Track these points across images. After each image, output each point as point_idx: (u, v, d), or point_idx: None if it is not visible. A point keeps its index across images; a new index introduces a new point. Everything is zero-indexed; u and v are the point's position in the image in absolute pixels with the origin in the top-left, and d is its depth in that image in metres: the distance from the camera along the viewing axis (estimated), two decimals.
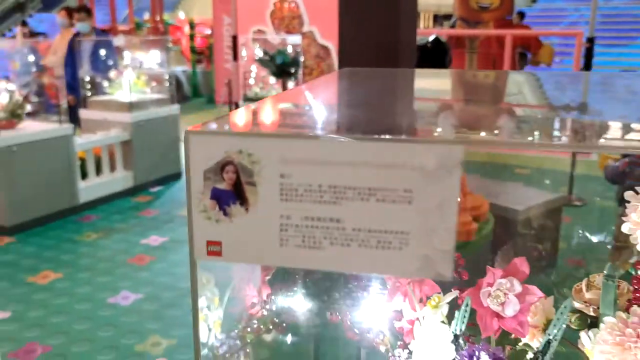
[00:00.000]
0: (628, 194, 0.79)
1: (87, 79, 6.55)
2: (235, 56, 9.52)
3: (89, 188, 5.45)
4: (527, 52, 8.93)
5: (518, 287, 0.73)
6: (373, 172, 0.47)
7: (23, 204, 4.82)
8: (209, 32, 14.28)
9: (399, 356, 0.77)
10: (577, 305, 0.87)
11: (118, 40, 8.93)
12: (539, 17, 14.80)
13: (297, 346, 0.89)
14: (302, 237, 0.53)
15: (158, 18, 13.39)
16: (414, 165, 0.49)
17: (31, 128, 5.04)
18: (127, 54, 8.19)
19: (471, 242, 3.28)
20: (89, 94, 6.48)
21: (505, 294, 0.73)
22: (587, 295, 0.87)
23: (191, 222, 0.52)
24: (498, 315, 0.73)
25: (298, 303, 0.87)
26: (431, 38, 4.29)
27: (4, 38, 17.11)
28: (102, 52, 6.80)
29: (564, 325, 0.77)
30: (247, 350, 0.81)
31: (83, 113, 6.27)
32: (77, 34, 6.90)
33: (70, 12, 7.15)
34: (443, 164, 0.50)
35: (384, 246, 0.50)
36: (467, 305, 0.74)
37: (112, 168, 5.77)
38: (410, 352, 0.75)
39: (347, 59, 3.40)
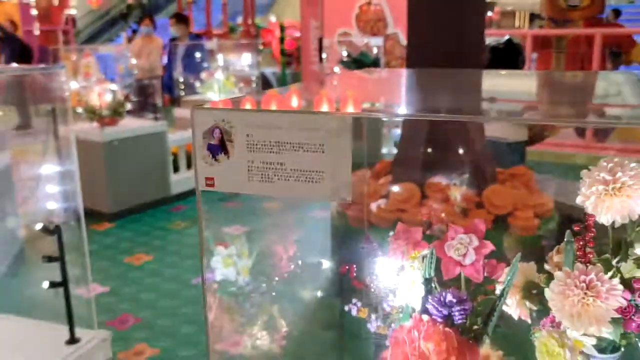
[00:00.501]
0: (582, 173, 0.95)
1: (181, 79, 7.06)
2: (321, 58, 9.84)
3: (180, 181, 5.90)
4: (620, 52, 8.63)
5: (475, 242, 0.91)
6: (302, 133, 0.70)
7: (122, 194, 5.32)
8: (298, 34, 14.70)
9: (387, 296, 0.97)
10: (547, 267, 1.04)
11: (211, 44, 9.49)
12: (636, 15, 14.14)
13: (311, 292, 1.10)
14: (260, 174, 0.76)
15: (250, 22, 13.95)
16: (325, 128, 0.71)
17: (130, 125, 5.54)
18: (220, 57, 8.71)
19: (534, 236, 3.36)
20: (182, 94, 6.98)
21: (465, 247, 0.90)
22: (555, 259, 1.03)
23: (196, 165, 0.77)
24: (459, 264, 0.91)
25: (318, 259, 1.08)
26: (504, 39, 4.36)
27: (112, 43, 18.39)
28: (195, 55, 7.29)
29: (516, 273, 0.94)
30: (273, 293, 1.03)
31: (177, 111, 6.77)
32: (173, 39, 7.44)
33: (152, 20, 7.73)
34: (339, 129, 0.71)
35: (309, 180, 0.73)
36: (432, 253, 0.92)
37: None
38: (395, 292, 0.95)
39: (416, 60, 3.56)
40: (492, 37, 7.50)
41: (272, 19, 16.97)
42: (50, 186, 2.05)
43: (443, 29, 3.37)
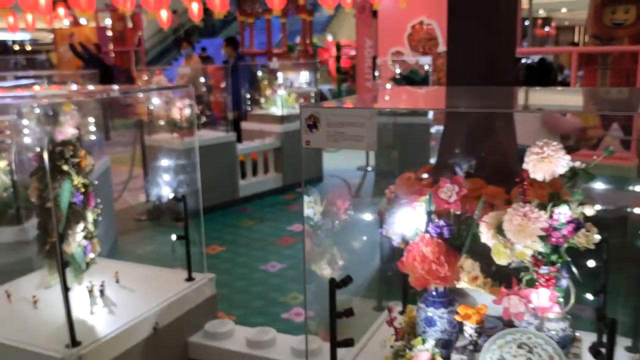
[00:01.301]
0: (527, 150, 1.53)
1: (248, 96, 7.82)
2: (374, 75, 10.46)
3: (247, 185, 6.62)
4: None
5: (457, 188, 1.50)
6: (350, 119, 1.31)
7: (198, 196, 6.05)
8: (353, 53, 15.37)
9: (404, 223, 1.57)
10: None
11: (273, 64, 10.27)
12: None
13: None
14: (333, 138, 1.36)
15: (308, 41, 14.69)
16: (360, 116, 1.30)
17: (204, 135, 6.30)
18: (280, 75, 9.48)
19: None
20: (249, 109, 7.73)
21: (450, 192, 1.49)
22: (513, 204, 1.61)
23: (302, 140, 1.36)
24: (446, 202, 1.50)
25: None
26: (537, 58, 4.88)
27: (176, 63, 19.54)
28: (240, 74, 8.05)
29: (481, 208, 1.53)
30: (334, 228, 1.65)
31: (244, 124, 7.52)
32: (225, 61, 8.27)
33: (190, 42, 8.67)
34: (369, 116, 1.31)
35: (352, 139, 1.34)
36: (430, 197, 1.51)
37: (266, 170, 6.91)
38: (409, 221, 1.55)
39: (455, 78, 4.13)
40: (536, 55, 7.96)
41: (329, 38, 17.76)
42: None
43: (477, 51, 3.94)
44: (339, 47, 16.07)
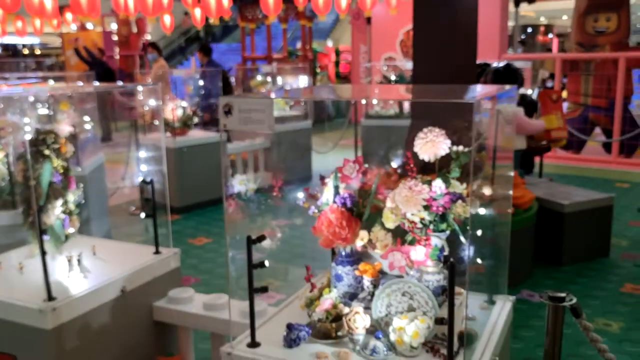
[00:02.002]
0: (417, 136, 1.87)
1: None
2: (370, 80, 10.81)
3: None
4: None
5: (357, 167, 1.84)
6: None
7: (188, 192, 6.41)
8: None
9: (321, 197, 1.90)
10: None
11: (271, 68, 10.63)
12: None
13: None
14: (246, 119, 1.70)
15: (308, 47, 15.06)
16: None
17: (197, 135, 6.67)
18: (278, 79, 9.84)
19: (513, 220, 4.18)
20: None
21: (352, 169, 1.83)
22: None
23: (219, 125, 1.71)
24: (349, 177, 1.84)
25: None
26: (502, 64, 5.21)
27: (182, 67, 19.98)
28: (210, 79, 8.43)
29: (377, 182, 1.86)
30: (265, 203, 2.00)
31: None
32: (209, 65, 8.74)
33: (156, 46, 9.16)
34: None
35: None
36: (336, 174, 1.85)
37: (256, 169, 7.25)
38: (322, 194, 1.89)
39: (421, 79, 4.46)
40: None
41: (329, 43, 18.13)
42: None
43: (440, 54, 4.27)
44: (337, 53, 16.45)
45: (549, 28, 28.00)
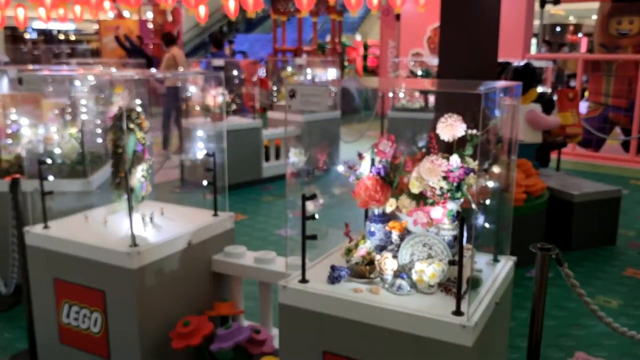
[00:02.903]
0: (439, 120, 2.31)
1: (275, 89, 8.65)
2: (398, 75, 11.19)
3: (270, 167, 7.47)
4: None
5: (390, 143, 2.28)
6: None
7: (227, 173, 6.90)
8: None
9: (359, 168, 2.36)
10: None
11: (301, 60, 11.09)
12: None
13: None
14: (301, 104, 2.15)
15: (337, 40, 15.48)
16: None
17: (234, 121, 7.17)
18: (308, 70, 10.29)
19: (525, 206, 4.60)
20: (274, 100, 8.58)
21: (387, 146, 2.28)
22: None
23: (285, 106, 2.12)
24: (384, 152, 2.29)
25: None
26: (522, 63, 5.60)
27: (213, 57, 20.51)
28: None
29: (405, 157, 2.31)
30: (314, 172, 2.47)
31: (270, 114, 8.37)
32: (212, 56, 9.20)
33: (167, 37, 9.60)
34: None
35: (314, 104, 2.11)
36: (373, 149, 2.30)
37: (287, 155, 7.73)
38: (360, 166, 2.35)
39: (445, 74, 4.88)
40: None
41: (358, 37, 18.52)
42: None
43: (464, 51, 4.69)
44: (366, 47, 16.83)
45: (577, 27, 27.99)
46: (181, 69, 9.21)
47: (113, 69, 6.98)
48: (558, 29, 27.37)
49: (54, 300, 2.89)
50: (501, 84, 2.48)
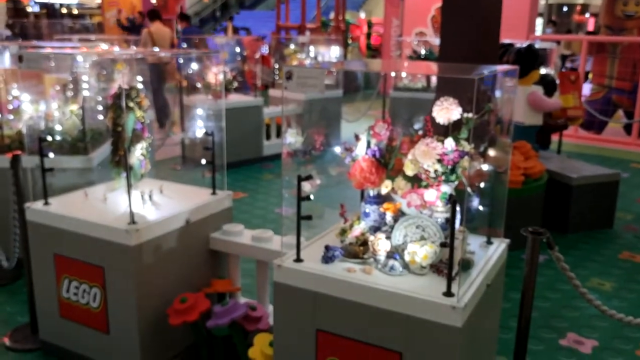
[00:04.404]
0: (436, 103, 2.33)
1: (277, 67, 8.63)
2: (401, 54, 11.14)
3: (270, 146, 7.48)
4: None
5: (386, 126, 2.30)
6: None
7: (227, 151, 6.92)
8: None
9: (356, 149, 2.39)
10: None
11: (304, 38, 11.04)
12: None
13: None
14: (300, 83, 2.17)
15: (340, 18, 15.37)
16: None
17: (236, 99, 7.17)
18: (311, 48, 10.23)
19: (523, 188, 4.62)
20: (276, 78, 8.55)
21: (382, 128, 2.30)
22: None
23: (282, 87, 2.11)
24: (379, 135, 2.31)
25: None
26: (525, 44, 5.58)
27: (216, 34, 20.38)
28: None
29: (400, 140, 2.33)
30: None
31: (271, 92, 8.36)
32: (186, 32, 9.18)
33: (151, 13, 9.52)
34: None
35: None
36: (369, 131, 2.32)
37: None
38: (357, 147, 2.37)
39: (446, 57, 4.86)
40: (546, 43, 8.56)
41: (362, 15, 18.38)
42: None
43: (465, 33, 4.67)
44: (370, 25, 16.72)
45: (585, 7, 27.72)
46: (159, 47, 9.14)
47: (115, 47, 6.96)
48: (565, 8, 27.13)
49: (54, 276, 2.94)
50: (498, 68, 2.48)
